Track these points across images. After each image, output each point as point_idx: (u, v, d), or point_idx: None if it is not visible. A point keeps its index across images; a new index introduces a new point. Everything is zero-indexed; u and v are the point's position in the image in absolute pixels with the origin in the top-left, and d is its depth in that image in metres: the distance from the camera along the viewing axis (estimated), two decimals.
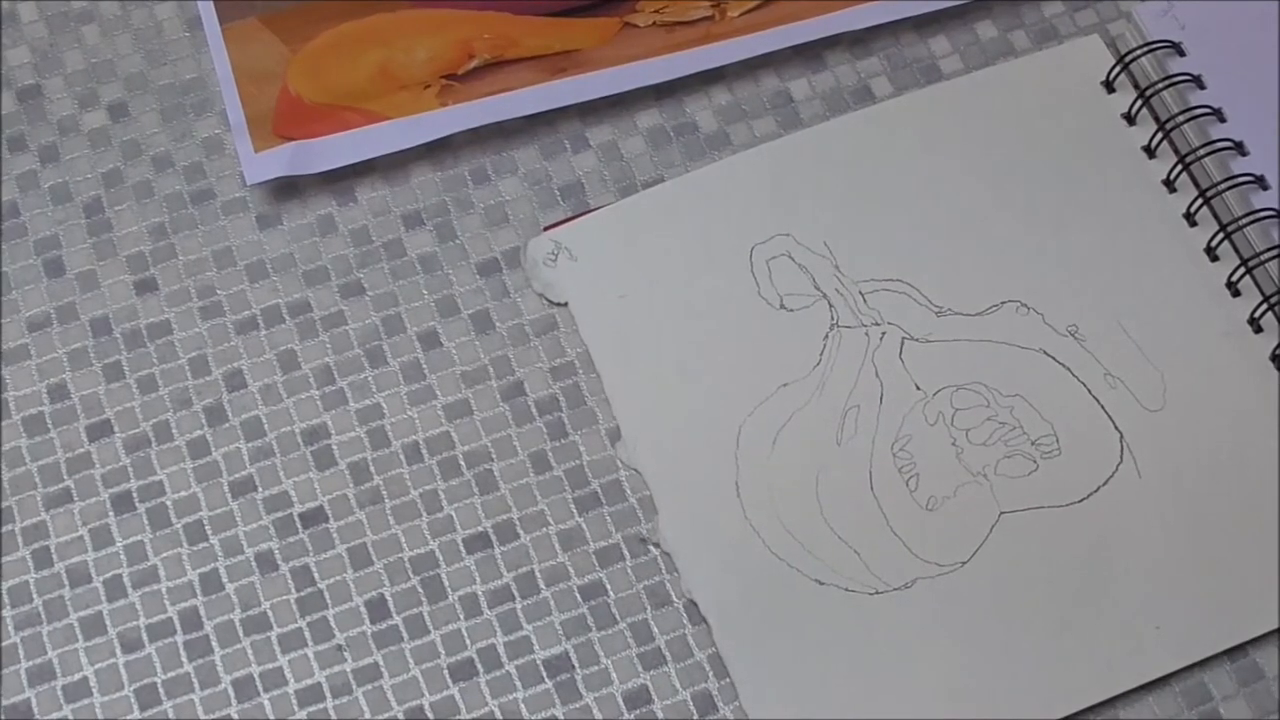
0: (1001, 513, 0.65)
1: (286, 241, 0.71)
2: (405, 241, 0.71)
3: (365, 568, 0.65)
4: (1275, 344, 0.67)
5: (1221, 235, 0.68)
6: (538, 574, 0.65)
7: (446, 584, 0.65)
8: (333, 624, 0.65)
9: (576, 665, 0.64)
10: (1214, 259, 0.69)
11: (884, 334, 0.68)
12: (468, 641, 0.64)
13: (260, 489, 0.67)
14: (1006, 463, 0.65)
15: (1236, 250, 0.69)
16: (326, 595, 0.65)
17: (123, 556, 0.66)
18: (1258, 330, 0.67)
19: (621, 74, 0.72)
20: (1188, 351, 0.67)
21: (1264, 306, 0.67)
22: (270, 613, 0.65)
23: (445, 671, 0.64)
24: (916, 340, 0.68)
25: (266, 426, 0.68)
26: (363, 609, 0.65)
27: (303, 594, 0.65)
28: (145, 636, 0.64)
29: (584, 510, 0.66)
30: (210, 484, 0.67)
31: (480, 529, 0.66)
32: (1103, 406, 0.66)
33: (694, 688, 0.63)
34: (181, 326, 0.69)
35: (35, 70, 0.74)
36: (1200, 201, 0.69)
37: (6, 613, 0.65)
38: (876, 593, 0.64)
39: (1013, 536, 0.64)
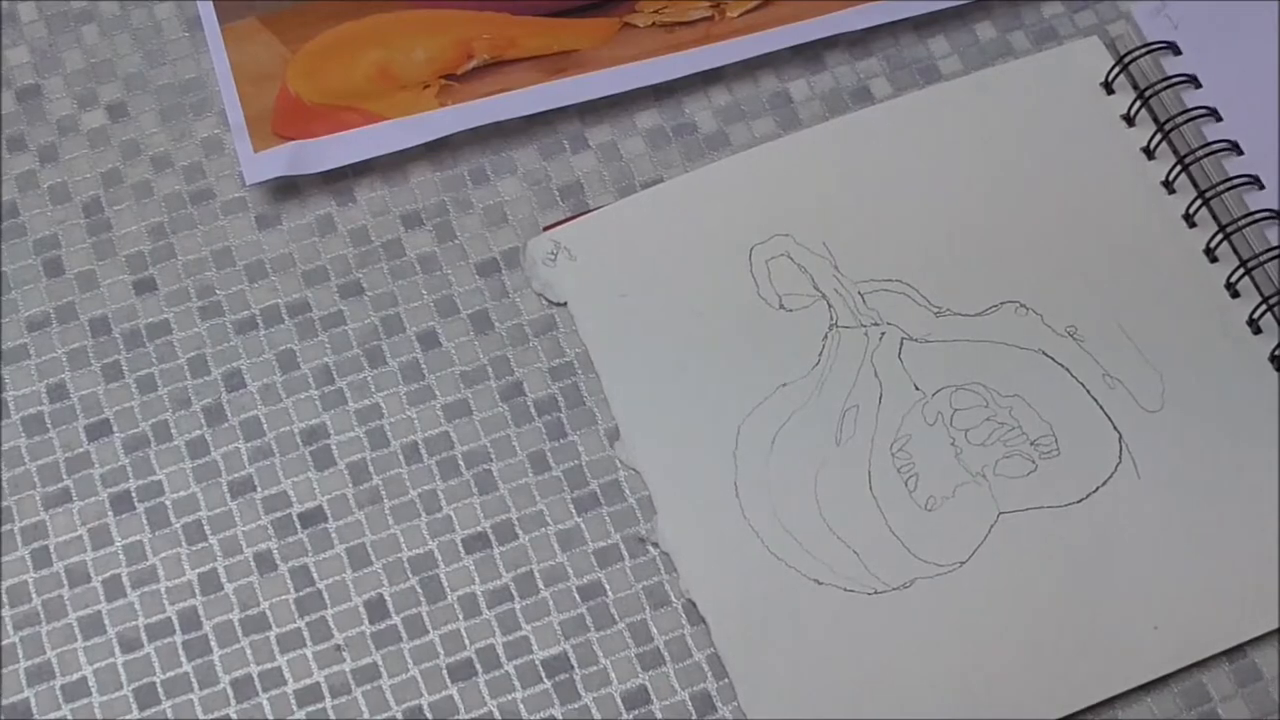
0: (1000, 513, 0.65)
1: (285, 241, 0.71)
2: (404, 242, 0.71)
3: (364, 568, 0.65)
4: (1274, 345, 0.67)
5: (1220, 236, 0.68)
6: (536, 574, 0.65)
7: (445, 584, 0.65)
8: (331, 624, 0.65)
9: (575, 665, 0.64)
10: (1213, 260, 0.69)
11: (883, 334, 0.68)
12: (466, 642, 0.64)
13: (259, 489, 0.67)
14: (1005, 463, 0.65)
15: (1235, 251, 0.69)
16: (325, 595, 0.65)
17: (121, 556, 0.66)
18: (1257, 331, 0.67)
19: (621, 74, 0.72)
20: (1187, 352, 0.67)
21: (1263, 308, 0.67)
22: (269, 613, 0.65)
23: (444, 671, 0.64)
24: (915, 340, 0.68)
25: (265, 426, 0.68)
26: (361, 609, 0.65)
27: (301, 594, 0.65)
28: (144, 636, 0.64)
29: (583, 510, 0.66)
30: (209, 484, 0.67)
31: (479, 529, 0.66)
32: (1101, 407, 0.66)
33: (693, 688, 0.63)
34: (180, 326, 0.69)
35: (35, 70, 0.74)
36: (1199, 203, 0.69)
37: (5, 612, 0.65)
38: (875, 593, 0.64)
39: (1011, 537, 0.64)
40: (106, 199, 0.72)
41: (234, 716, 0.63)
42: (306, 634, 0.64)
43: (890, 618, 0.63)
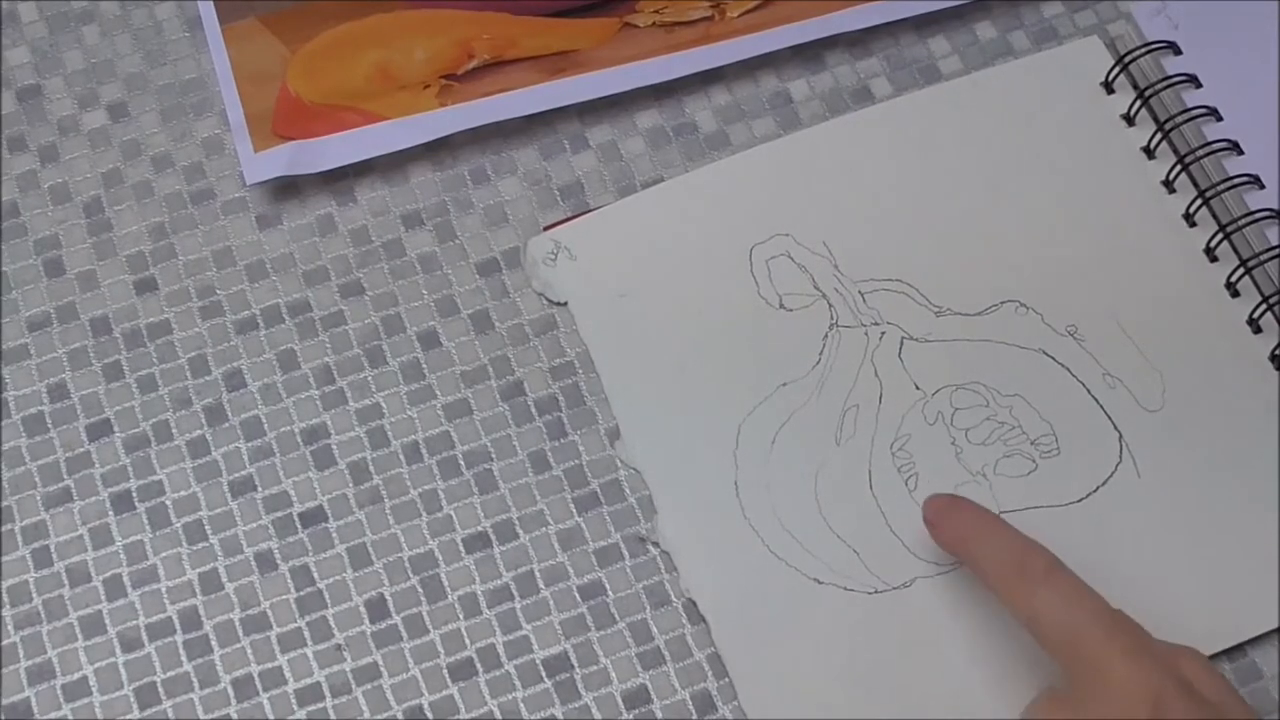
0: (1000, 512, 0.65)
1: (286, 241, 0.71)
2: (405, 241, 0.71)
3: (364, 567, 0.65)
4: (1274, 344, 0.67)
5: (1220, 236, 0.68)
6: (537, 574, 0.65)
7: (446, 584, 0.65)
8: (332, 623, 0.65)
9: (576, 665, 0.64)
10: (1213, 259, 0.69)
11: (883, 334, 0.68)
12: (467, 641, 0.64)
13: (260, 488, 0.67)
14: (1005, 462, 0.65)
15: (1235, 251, 0.69)
16: (326, 595, 0.65)
17: (122, 556, 0.66)
18: (1257, 331, 0.67)
19: (621, 74, 0.72)
20: (1187, 352, 0.67)
21: (1263, 307, 0.67)
22: (270, 612, 0.65)
23: (444, 671, 0.64)
24: (916, 340, 0.68)
25: (266, 426, 0.68)
26: (362, 608, 0.65)
27: (302, 593, 0.65)
28: (145, 636, 0.64)
29: (583, 510, 0.66)
30: (210, 483, 0.67)
31: (479, 529, 0.66)
32: (1102, 406, 0.66)
33: (693, 687, 0.63)
34: (181, 326, 0.69)
35: (35, 70, 0.74)
36: (1199, 202, 0.69)
37: (6, 612, 0.65)
38: (875, 592, 0.64)
39: None
40: (107, 199, 0.72)
41: (234, 716, 0.63)
42: (307, 633, 0.64)
43: (890, 617, 0.63)
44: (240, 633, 0.64)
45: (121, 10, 0.75)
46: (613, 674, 0.64)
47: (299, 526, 0.66)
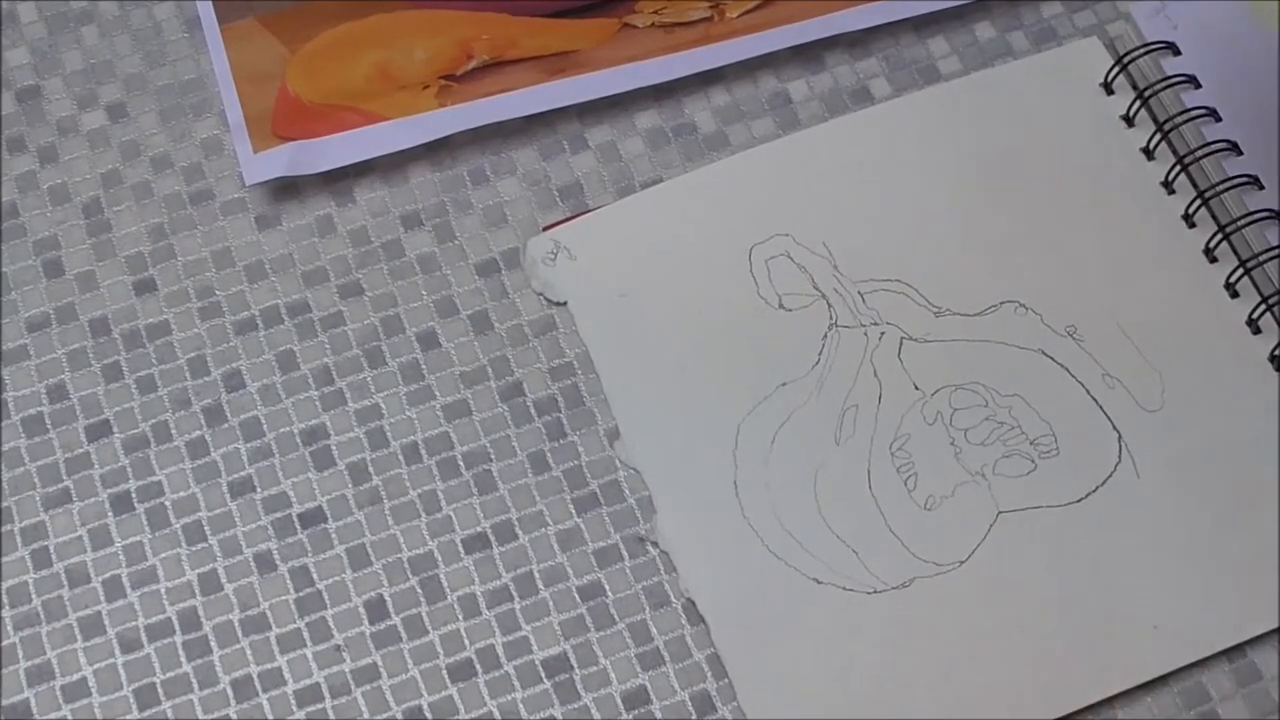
0: (999, 512, 0.65)
1: (285, 242, 0.71)
2: (404, 242, 0.71)
3: (364, 568, 0.65)
4: (1274, 345, 0.67)
5: (1220, 236, 0.68)
6: (536, 574, 0.65)
7: (445, 584, 0.65)
8: (331, 624, 0.65)
9: (575, 666, 0.64)
10: (1212, 260, 0.69)
11: (883, 334, 0.68)
12: (466, 642, 0.64)
13: (259, 489, 0.67)
14: (1005, 462, 0.65)
15: (1235, 251, 0.69)
16: (325, 596, 0.65)
17: (121, 557, 0.66)
18: (1256, 331, 0.67)
19: (620, 74, 0.72)
20: (1186, 352, 0.67)
21: (1262, 307, 0.67)
22: (269, 613, 0.65)
23: (444, 672, 0.64)
24: (915, 340, 0.68)
25: (265, 427, 0.68)
26: (361, 609, 0.65)
27: (301, 594, 0.65)
28: (144, 637, 0.64)
29: (582, 510, 0.66)
30: (209, 484, 0.67)
31: (479, 529, 0.66)
32: (1101, 407, 0.66)
33: (692, 688, 0.63)
34: (180, 327, 0.69)
35: (34, 71, 0.74)
36: (1199, 203, 0.69)
37: (6, 613, 0.65)
38: (874, 592, 0.64)
39: (1011, 536, 0.64)
40: (106, 200, 0.72)
41: (234, 717, 0.63)
42: (306, 634, 0.64)
43: (889, 617, 0.63)
44: (239, 633, 0.64)
45: (120, 11, 0.75)
46: (612, 675, 0.64)
47: (298, 527, 0.66)
